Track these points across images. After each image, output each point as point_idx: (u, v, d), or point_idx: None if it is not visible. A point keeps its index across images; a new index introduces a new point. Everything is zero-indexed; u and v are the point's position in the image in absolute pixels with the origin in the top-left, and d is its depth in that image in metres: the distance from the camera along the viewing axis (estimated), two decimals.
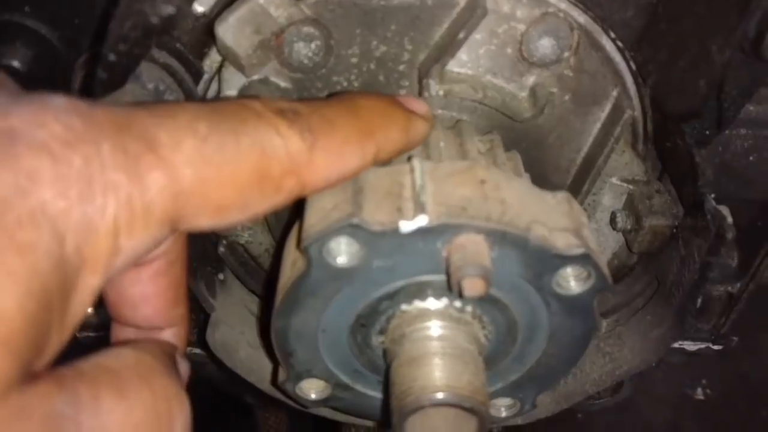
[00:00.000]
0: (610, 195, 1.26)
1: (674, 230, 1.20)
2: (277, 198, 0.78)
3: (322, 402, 1.11)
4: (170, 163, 0.64)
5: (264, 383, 1.28)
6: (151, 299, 0.86)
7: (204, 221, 0.70)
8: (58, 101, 0.61)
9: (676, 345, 1.64)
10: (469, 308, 0.98)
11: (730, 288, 1.47)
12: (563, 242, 0.91)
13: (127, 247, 0.62)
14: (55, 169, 0.56)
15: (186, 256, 0.88)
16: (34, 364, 0.56)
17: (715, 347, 1.60)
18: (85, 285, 0.60)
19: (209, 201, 0.69)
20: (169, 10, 0.80)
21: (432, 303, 0.97)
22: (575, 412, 1.89)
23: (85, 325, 1.45)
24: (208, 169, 0.68)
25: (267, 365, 1.28)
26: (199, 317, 1.28)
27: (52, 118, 0.58)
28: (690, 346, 1.59)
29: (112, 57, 0.83)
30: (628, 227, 1.23)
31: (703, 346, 1.60)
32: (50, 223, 0.55)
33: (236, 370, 1.28)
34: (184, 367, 0.89)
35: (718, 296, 1.48)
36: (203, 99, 1.14)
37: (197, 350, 1.49)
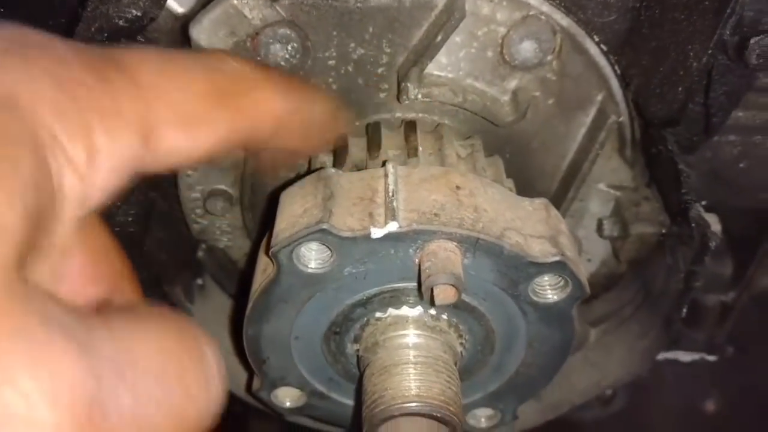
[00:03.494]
0: (597, 201, 1.24)
1: (661, 238, 1.17)
2: (241, 119, 0.76)
3: (298, 410, 1.10)
4: (134, 73, 0.65)
5: (241, 390, 1.26)
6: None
7: (173, 135, 0.68)
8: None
9: (669, 356, 1.61)
10: (444, 316, 0.96)
11: (723, 297, 1.44)
12: (539, 249, 0.88)
13: (104, 149, 0.61)
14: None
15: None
16: (28, 260, 0.55)
17: (710, 358, 1.58)
18: (71, 187, 0.59)
19: (175, 110, 0.68)
20: (135, 12, 0.78)
21: (406, 311, 0.95)
22: (582, 424, 1.85)
23: None
24: (169, 79, 0.69)
25: (245, 373, 1.26)
26: None
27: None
28: (684, 356, 1.56)
29: None
30: (615, 234, 1.21)
31: (697, 356, 1.57)
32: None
33: None
34: None
35: (712, 306, 1.46)
36: None
37: None
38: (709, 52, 0.87)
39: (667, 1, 0.95)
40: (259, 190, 1.16)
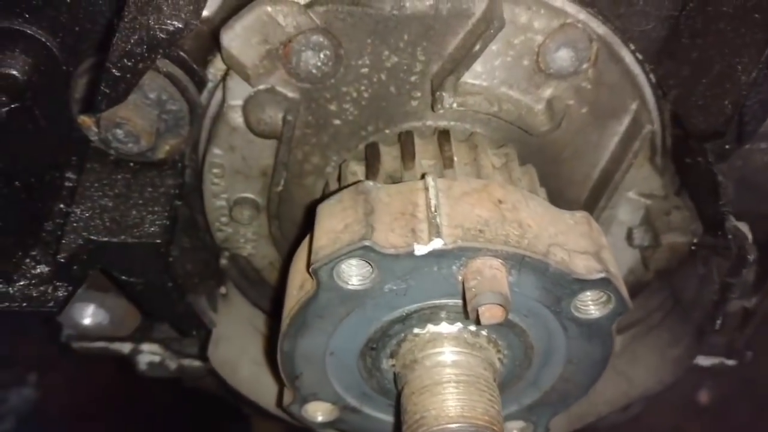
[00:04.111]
0: (627, 209, 1.22)
1: (693, 248, 1.16)
2: None
3: (329, 424, 1.08)
4: None
5: (266, 402, 1.24)
6: None
7: None
8: None
9: None
10: (484, 332, 0.94)
11: (746, 303, 1.43)
12: (583, 266, 0.87)
13: None
14: None
15: None
16: None
17: (729, 362, 1.57)
18: None
19: None
20: (177, 24, 0.76)
21: (445, 327, 0.93)
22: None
23: (83, 335, 1.42)
24: None
25: (270, 383, 1.24)
26: (200, 332, 1.24)
27: None
28: (703, 360, 1.55)
29: (116, 72, 0.79)
30: (645, 244, 1.20)
31: (717, 361, 1.56)
32: None
33: (238, 388, 1.24)
34: None
35: (734, 311, 1.45)
36: (207, 109, 1.10)
37: (196, 363, 1.46)
38: (760, 66, 0.85)
39: (711, 12, 0.93)
40: (287, 197, 1.13)
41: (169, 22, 0.76)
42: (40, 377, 2.68)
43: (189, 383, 1.61)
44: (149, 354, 1.44)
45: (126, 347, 1.43)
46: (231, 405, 2.18)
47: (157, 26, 0.76)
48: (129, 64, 0.79)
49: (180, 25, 0.76)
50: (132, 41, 0.77)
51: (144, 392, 2.35)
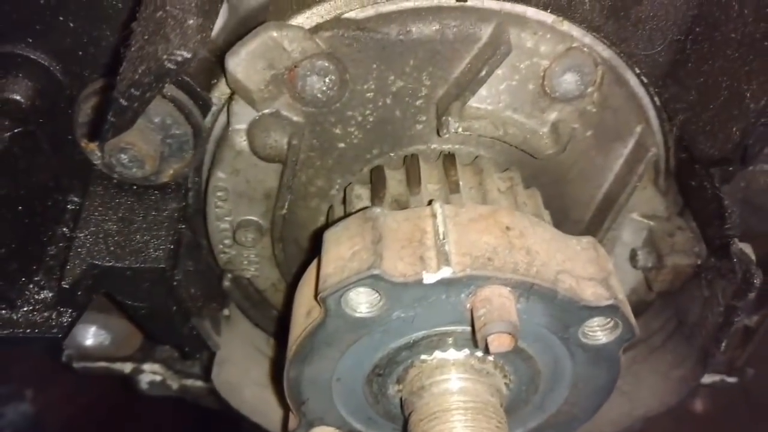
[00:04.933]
0: (630, 230, 1.22)
1: (696, 269, 1.16)
2: None
3: None
4: None
5: (270, 423, 1.24)
6: None
7: None
8: None
9: None
10: (490, 359, 0.94)
11: (747, 321, 1.43)
12: (591, 293, 0.87)
13: None
14: None
15: None
16: None
17: (730, 380, 1.57)
18: None
19: None
20: (185, 54, 0.75)
21: (453, 354, 0.93)
22: None
23: (84, 355, 1.41)
24: None
25: (273, 405, 1.24)
26: (203, 354, 1.23)
27: None
28: (705, 378, 1.55)
29: (123, 102, 0.78)
30: (649, 265, 1.20)
31: (717, 378, 1.56)
32: None
33: (241, 410, 1.23)
34: None
35: (736, 330, 1.45)
36: (211, 132, 1.09)
37: (199, 383, 1.45)
38: None
39: (719, 38, 0.93)
40: (291, 220, 1.13)
41: (177, 52, 0.75)
42: (37, 393, 2.66)
43: (192, 401, 1.60)
44: (150, 374, 1.43)
45: (127, 367, 1.43)
46: (232, 421, 2.18)
47: (165, 56, 0.75)
48: (136, 93, 0.79)
49: (188, 55, 0.76)
50: (140, 71, 0.77)
51: (142, 408, 2.34)
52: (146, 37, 0.78)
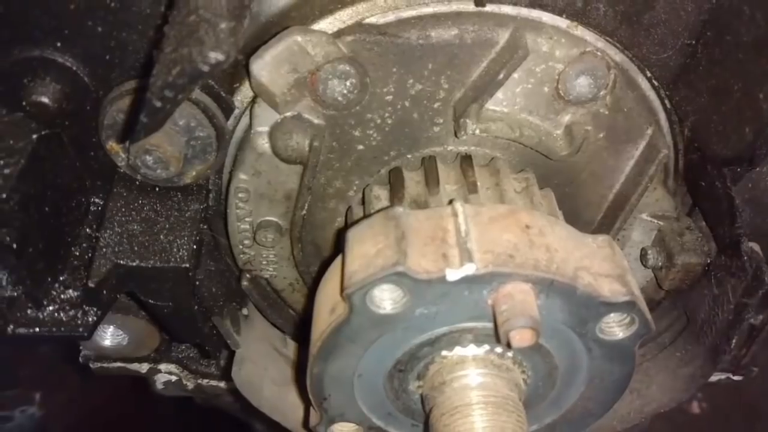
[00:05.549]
0: (640, 230, 1.25)
1: (706, 268, 1.18)
2: None
3: None
4: None
5: (289, 422, 1.26)
6: None
7: None
8: None
9: None
10: (510, 354, 0.96)
11: (752, 320, 1.46)
12: (609, 289, 0.89)
13: None
14: None
15: None
16: None
17: (736, 378, 1.59)
18: None
19: None
20: (219, 57, 0.77)
21: (473, 349, 0.95)
22: None
23: (101, 356, 1.43)
24: None
25: (291, 403, 1.26)
26: (223, 353, 1.25)
27: None
28: (711, 377, 1.57)
29: (156, 104, 0.81)
30: (659, 264, 1.22)
31: (723, 376, 1.58)
32: None
33: (261, 408, 1.25)
34: None
35: (741, 328, 1.47)
36: (232, 135, 1.12)
37: (214, 382, 1.47)
38: None
39: (730, 41, 0.96)
40: (310, 220, 1.15)
41: (211, 54, 0.77)
42: (45, 396, 2.68)
43: (202, 401, 1.62)
44: (166, 374, 1.45)
45: (144, 367, 1.44)
46: (242, 423, 2.19)
47: (199, 58, 0.77)
48: (170, 95, 0.81)
49: (222, 58, 0.78)
50: (174, 73, 0.79)
51: (149, 410, 2.35)
52: (179, 40, 0.81)
